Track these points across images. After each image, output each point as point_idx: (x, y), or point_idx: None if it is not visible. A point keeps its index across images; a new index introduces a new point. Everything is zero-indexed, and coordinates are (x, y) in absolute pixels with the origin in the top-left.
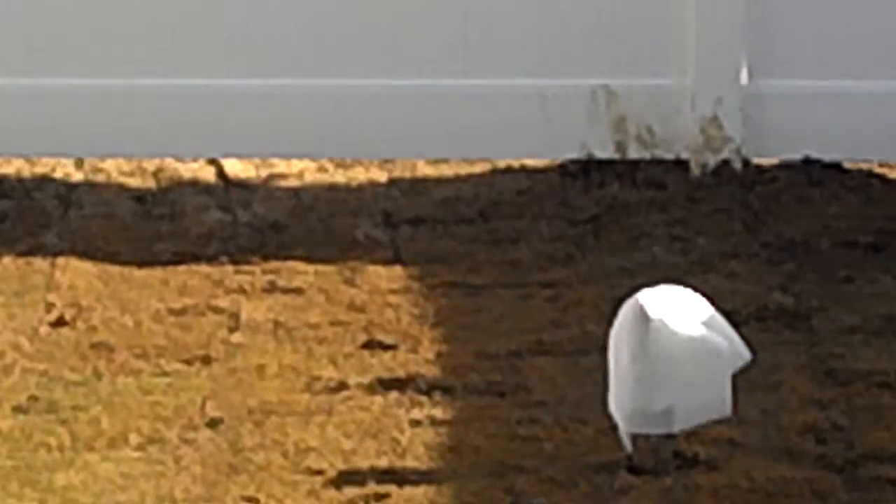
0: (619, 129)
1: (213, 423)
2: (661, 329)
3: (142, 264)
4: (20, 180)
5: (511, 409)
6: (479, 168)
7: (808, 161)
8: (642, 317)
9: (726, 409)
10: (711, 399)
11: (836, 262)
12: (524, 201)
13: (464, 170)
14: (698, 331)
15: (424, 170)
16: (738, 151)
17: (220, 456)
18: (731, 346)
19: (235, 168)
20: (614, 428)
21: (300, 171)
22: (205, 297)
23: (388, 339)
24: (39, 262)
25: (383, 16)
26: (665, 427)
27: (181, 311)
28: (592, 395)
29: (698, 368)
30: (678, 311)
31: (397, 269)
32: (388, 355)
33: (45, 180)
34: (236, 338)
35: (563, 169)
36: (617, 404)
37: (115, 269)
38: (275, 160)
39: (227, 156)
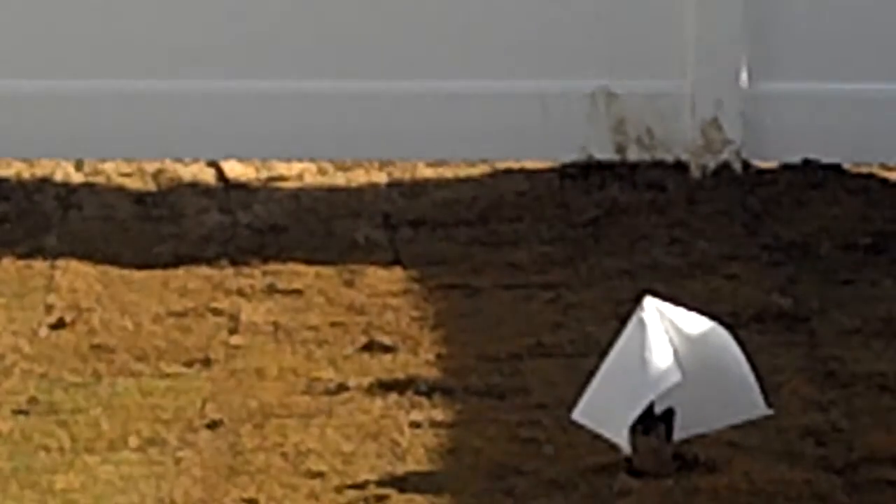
0: (619, 131)
1: (212, 425)
2: (637, 329)
3: (142, 266)
4: (20, 182)
5: (511, 412)
6: (478, 170)
7: (807, 163)
8: (638, 312)
9: (623, 440)
10: (618, 417)
11: (836, 265)
12: (524, 203)
13: (463, 172)
14: (658, 355)
15: (424, 172)
16: (737, 153)
17: (220, 458)
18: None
19: (235, 170)
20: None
21: (300, 172)
22: (205, 299)
23: (387, 341)
24: (39, 264)
25: (383, 16)
26: (590, 421)
27: (181, 313)
28: None
29: (625, 382)
30: (680, 333)
31: (397, 271)
32: (387, 357)
33: (45, 182)
34: (236, 340)
35: (562, 171)
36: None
37: (114, 271)
38: (275, 162)
39: (226, 157)
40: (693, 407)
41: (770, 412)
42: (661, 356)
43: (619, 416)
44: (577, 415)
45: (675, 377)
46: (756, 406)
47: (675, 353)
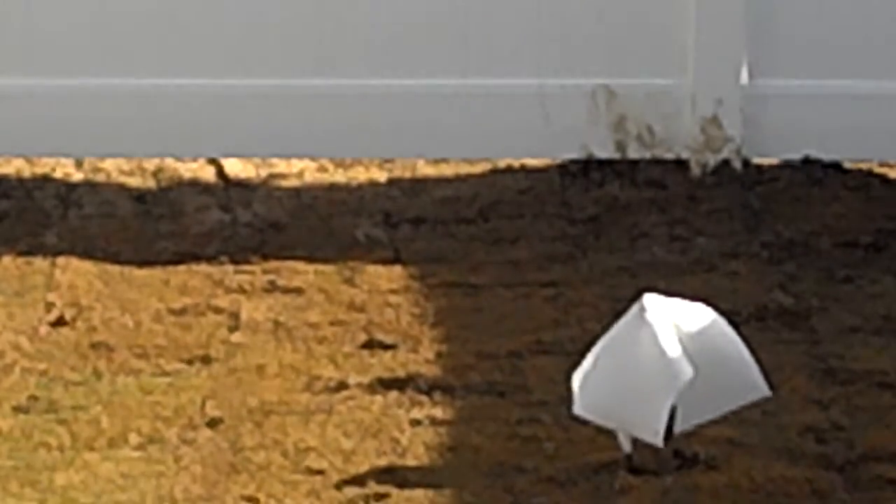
0: (620, 128)
1: (213, 423)
2: (643, 327)
3: (142, 264)
4: (20, 180)
5: (511, 409)
6: (479, 168)
7: (808, 161)
8: (640, 309)
9: (658, 437)
10: (644, 417)
11: (836, 262)
12: (524, 201)
13: (464, 169)
14: (673, 352)
15: (424, 169)
16: (738, 151)
17: (220, 456)
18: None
19: (235, 168)
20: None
21: (300, 170)
22: (205, 297)
23: (388, 339)
24: (39, 262)
25: (383, 16)
26: (601, 419)
27: (181, 311)
28: None
29: (646, 382)
30: (681, 327)
31: (397, 269)
32: (388, 355)
33: (45, 180)
34: (236, 337)
35: (563, 169)
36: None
37: (115, 268)
38: (275, 160)
39: (227, 155)
40: (697, 398)
41: (770, 394)
42: (674, 353)
43: (650, 417)
44: (578, 409)
45: (691, 372)
46: (758, 388)
47: (683, 347)
